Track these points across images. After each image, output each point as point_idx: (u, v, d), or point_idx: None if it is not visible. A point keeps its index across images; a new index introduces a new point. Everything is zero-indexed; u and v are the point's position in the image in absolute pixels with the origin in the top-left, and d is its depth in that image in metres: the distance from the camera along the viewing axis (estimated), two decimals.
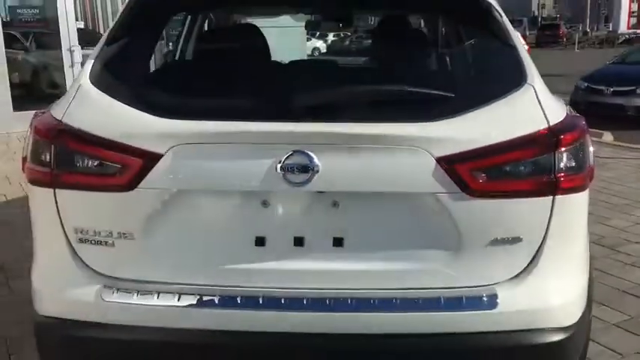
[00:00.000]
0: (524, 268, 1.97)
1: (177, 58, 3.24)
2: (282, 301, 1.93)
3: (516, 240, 1.95)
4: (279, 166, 1.84)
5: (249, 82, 2.15)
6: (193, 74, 2.49)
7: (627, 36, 39.43)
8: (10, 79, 8.86)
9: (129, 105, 1.96)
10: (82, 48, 9.04)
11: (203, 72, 2.34)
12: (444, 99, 2.03)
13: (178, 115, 1.91)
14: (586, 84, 12.06)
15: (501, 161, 1.90)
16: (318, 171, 1.84)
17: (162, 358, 2.02)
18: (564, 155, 1.93)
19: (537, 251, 1.97)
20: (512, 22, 2.23)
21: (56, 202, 1.99)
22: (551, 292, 2.00)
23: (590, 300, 2.16)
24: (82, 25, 9.74)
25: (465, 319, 1.93)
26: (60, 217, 2.00)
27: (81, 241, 2.00)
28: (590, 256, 2.29)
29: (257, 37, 2.63)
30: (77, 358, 2.07)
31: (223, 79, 2.17)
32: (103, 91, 2.01)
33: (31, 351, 3.06)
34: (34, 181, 2.04)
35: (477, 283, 1.95)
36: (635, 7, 46.48)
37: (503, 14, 2.23)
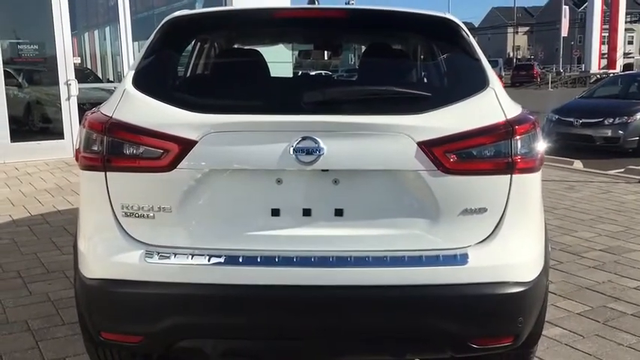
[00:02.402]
0: (490, 233, 2.39)
1: (189, 72, 3.70)
2: (294, 260, 2.32)
3: (483, 210, 2.37)
4: (291, 149, 2.26)
5: (267, 86, 2.64)
6: (217, 81, 2.93)
7: (598, 76, 40.23)
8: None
9: (167, 103, 2.38)
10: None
11: (226, 79, 2.79)
12: (424, 97, 2.51)
13: (210, 110, 2.34)
14: (556, 116, 12.42)
15: (468, 145, 2.34)
16: (323, 153, 2.26)
17: (193, 307, 2.35)
18: (519, 142, 2.37)
19: (500, 220, 2.39)
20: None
21: (107, 184, 2.37)
22: (512, 253, 2.41)
23: (546, 267, 2.57)
24: (78, 60, 10.12)
25: (442, 273, 2.33)
26: (109, 196, 2.38)
27: (126, 215, 2.37)
28: (547, 237, 2.67)
29: (261, 57, 3.10)
30: (122, 311, 2.38)
31: (244, 85, 2.63)
32: (144, 93, 2.44)
33: (53, 338, 3.44)
34: (88, 167, 2.42)
35: (452, 246, 2.36)
36: (605, 49, 48.08)
37: (470, 34, 2.71)
